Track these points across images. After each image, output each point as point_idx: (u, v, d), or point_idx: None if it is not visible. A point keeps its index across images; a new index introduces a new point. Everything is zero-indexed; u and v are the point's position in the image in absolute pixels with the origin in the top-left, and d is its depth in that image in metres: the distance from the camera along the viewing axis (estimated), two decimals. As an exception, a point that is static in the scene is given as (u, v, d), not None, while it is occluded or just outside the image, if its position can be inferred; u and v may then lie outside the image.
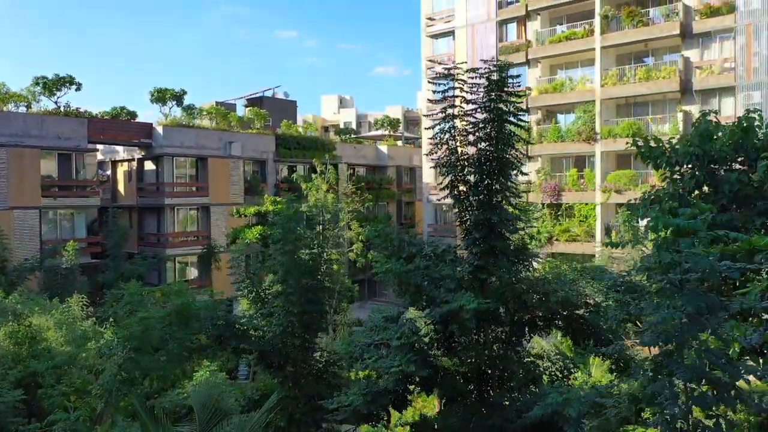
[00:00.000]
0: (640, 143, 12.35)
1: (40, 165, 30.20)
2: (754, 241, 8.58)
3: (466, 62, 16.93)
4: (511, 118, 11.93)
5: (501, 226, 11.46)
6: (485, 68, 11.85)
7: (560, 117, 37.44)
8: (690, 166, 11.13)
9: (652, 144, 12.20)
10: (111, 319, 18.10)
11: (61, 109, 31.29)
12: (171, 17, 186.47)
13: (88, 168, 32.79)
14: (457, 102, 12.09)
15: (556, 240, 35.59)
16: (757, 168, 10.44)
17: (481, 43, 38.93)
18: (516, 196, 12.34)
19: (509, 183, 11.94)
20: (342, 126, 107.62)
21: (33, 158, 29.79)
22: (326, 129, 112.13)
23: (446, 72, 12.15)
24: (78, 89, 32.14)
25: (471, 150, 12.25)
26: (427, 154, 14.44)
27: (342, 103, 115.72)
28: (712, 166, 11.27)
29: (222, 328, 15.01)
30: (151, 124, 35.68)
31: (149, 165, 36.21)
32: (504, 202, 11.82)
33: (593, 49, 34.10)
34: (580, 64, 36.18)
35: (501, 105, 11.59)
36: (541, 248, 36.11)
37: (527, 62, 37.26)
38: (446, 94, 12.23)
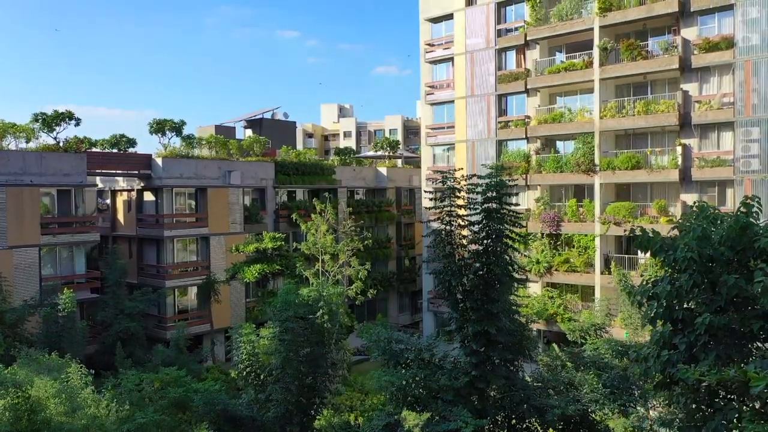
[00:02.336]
0: (638, 232, 12.41)
1: (40, 202, 30.22)
2: (750, 374, 8.59)
3: (462, 168, 16.87)
4: (507, 229, 11.85)
5: (499, 337, 11.47)
6: (482, 184, 11.76)
7: (559, 143, 37.43)
8: (688, 271, 11.14)
9: (650, 234, 12.27)
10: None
11: (61, 144, 31.23)
12: (172, 19, 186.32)
13: (87, 202, 32.78)
14: (459, 200, 12.05)
15: (556, 270, 35.60)
16: (755, 277, 10.42)
17: (480, 71, 38.93)
18: (515, 310, 12.23)
19: (507, 294, 11.92)
20: (341, 134, 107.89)
21: (32, 196, 29.81)
22: (326, 138, 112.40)
23: (444, 186, 12.08)
24: (77, 124, 32.21)
25: (470, 240, 12.26)
26: (426, 262, 14.38)
27: (341, 112, 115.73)
28: (710, 265, 11.28)
29: (220, 418, 14.91)
30: (150, 155, 35.70)
31: (148, 196, 36.24)
32: (502, 313, 11.80)
33: (592, 80, 34.11)
34: (579, 92, 36.16)
35: (498, 226, 11.53)
36: (540, 278, 36.27)
37: (526, 91, 37.25)
38: (444, 208, 12.20)
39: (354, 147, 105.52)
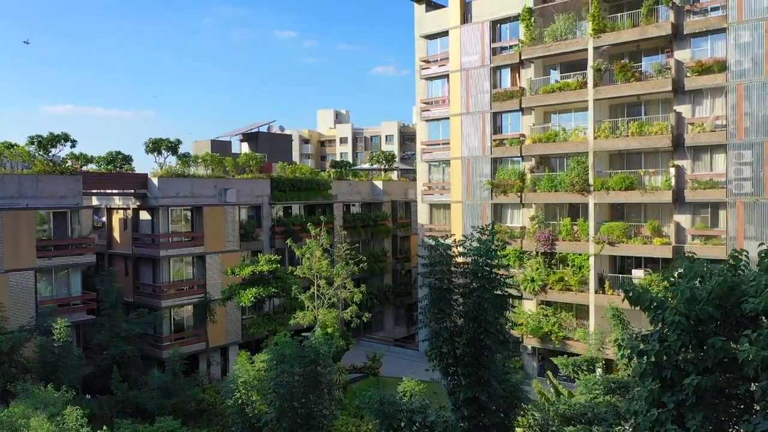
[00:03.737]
0: (628, 289, 12.58)
1: (36, 225, 30.27)
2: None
3: (454, 234, 16.99)
4: (499, 296, 11.97)
5: (490, 404, 11.62)
6: (472, 249, 11.90)
7: (554, 160, 37.60)
8: (677, 331, 11.31)
9: (641, 291, 12.45)
10: None
11: (56, 162, 31.27)
12: (170, 19, 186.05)
13: (83, 223, 32.83)
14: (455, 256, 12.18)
15: (550, 288, 35.80)
16: (740, 342, 10.60)
17: (476, 88, 39.09)
18: (507, 372, 12.32)
19: (497, 361, 12.02)
20: (338, 140, 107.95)
21: (28, 219, 29.87)
22: (322, 143, 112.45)
23: (439, 253, 12.24)
24: (73, 146, 32.26)
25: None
26: (420, 328, 14.37)
27: (338, 118, 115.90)
28: (698, 327, 11.46)
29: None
30: (146, 174, 35.77)
31: (144, 215, 36.29)
32: (493, 379, 11.95)
33: (586, 101, 34.30)
34: (573, 110, 36.35)
35: (489, 296, 11.63)
36: (535, 296, 36.44)
37: (521, 109, 37.43)
38: (436, 277, 12.34)
39: (350, 153, 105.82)
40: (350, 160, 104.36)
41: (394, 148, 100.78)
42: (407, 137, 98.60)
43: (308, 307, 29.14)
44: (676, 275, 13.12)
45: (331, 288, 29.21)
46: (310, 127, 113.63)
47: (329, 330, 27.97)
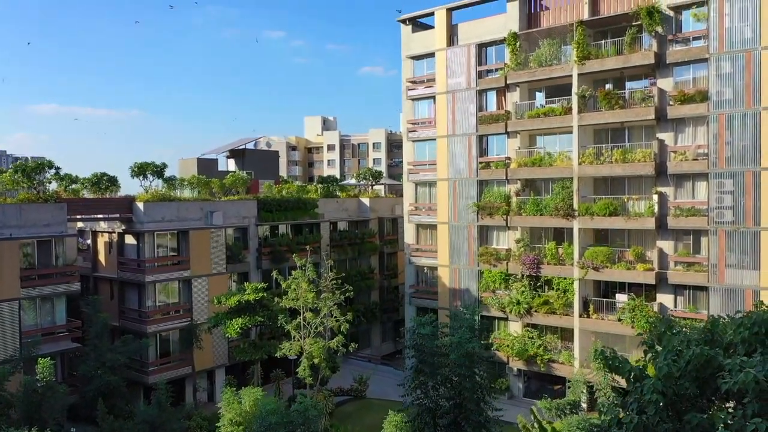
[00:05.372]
0: (608, 357, 12.81)
1: (20, 254, 30.04)
2: None
3: (446, 309, 17.14)
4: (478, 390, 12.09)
5: None
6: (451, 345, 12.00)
7: (540, 182, 37.84)
8: (654, 408, 11.51)
9: (619, 362, 12.69)
10: None
11: (40, 194, 31.04)
12: (159, 19, 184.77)
13: (68, 250, 32.63)
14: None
15: (536, 311, 36.09)
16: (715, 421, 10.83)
17: (462, 111, 39.28)
18: None
19: None
20: (325, 147, 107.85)
21: (12, 249, 29.64)
22: (309, 150, 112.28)
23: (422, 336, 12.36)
24: (57, 172, 32.01)
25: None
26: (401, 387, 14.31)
27: (325, 124, 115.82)
28: (676, 401, 11.68)
29: None
30: (132, 198, 35.61)
31: (130, 239, 36.10)
32: None
33: (571, 126, 34.59)
34: (558, 132, 36.61)
35: (468, 392, 11.77)
36: (521, 318, 36.69)
37: (507, 132, 37.66)
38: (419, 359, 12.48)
39: (338, 160, 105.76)
40: (338, 167, 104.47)
41: (381, 155, 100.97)
42: (394, 144, 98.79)
43: (294, 336, 29.17)
44: (656, 342, 13.41)
45: (317, 317, 29.25)
46: (297, 133, 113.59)
47: (316, 360, 28.05)
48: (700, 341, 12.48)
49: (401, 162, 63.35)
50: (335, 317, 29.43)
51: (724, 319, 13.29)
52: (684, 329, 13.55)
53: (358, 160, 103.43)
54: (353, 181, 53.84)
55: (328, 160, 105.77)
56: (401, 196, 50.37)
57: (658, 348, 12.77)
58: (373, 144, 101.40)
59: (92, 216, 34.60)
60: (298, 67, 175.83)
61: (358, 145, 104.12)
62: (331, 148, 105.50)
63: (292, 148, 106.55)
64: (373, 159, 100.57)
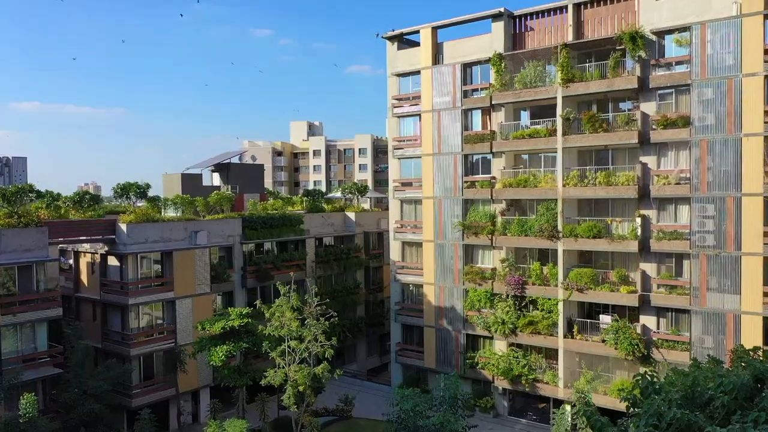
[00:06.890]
0: (589, 415, 12.92)
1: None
2: None
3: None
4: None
5: None
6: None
7: (525, 202, 37.97)
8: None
9: (602, 422, 12.80)
10: None
11: (20, 220, 30.58)
12: (144, 15, 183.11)
13: (49, 275, 32.24)
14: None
15: (521, 332, 36.26)
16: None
17: (447, 130, 39.31)
18: None
19: None
20: (311, 152, 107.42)
21: (-9, 277, 29.21)
22: (295, 155, 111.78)
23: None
24: (38, 196, 31.58)
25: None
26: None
27: (311, 130, 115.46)
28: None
29: None
30: (115, 220, 35.25)
31: (113, 260, 35.75)
32: None
33: (556, 148, 34.77)
34: (543, 152, 36.77)
35: None
36: (506, 338, 36.84)
37: (492, 153, 37.76)
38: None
39: (323, 165, 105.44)
40: (323, 173, 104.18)
41: (367, 161, 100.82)
42: (380, 150, 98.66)
43: (279, 364, 29.06)
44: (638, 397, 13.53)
45: (302, 344, 29.15)
46: (283, 138, 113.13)
47: (301, 388, 27.97)
48: (681, 401, 12.64)
49: (387, 167, 63.32)
50: (320, 342, 29.33)
51: (705, 364, 13.50)
52: (666, 387, 13.69)
53: (344, 165, 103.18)
54: (338, 194, 53.74)
55: (314, 166, 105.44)
56: (387, 209, 50.38)
57: (639, 410, 12.88)
58: (359, 149, 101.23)
59: (74, 238, 34.15)
60: (285, 65, 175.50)
61: (344, 150, 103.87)
62: (316, 153, 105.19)
63: (277, 153, 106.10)
64: (359, 165, 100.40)
